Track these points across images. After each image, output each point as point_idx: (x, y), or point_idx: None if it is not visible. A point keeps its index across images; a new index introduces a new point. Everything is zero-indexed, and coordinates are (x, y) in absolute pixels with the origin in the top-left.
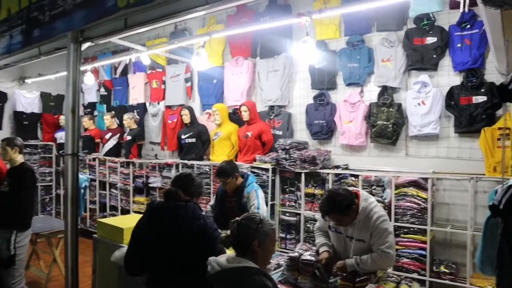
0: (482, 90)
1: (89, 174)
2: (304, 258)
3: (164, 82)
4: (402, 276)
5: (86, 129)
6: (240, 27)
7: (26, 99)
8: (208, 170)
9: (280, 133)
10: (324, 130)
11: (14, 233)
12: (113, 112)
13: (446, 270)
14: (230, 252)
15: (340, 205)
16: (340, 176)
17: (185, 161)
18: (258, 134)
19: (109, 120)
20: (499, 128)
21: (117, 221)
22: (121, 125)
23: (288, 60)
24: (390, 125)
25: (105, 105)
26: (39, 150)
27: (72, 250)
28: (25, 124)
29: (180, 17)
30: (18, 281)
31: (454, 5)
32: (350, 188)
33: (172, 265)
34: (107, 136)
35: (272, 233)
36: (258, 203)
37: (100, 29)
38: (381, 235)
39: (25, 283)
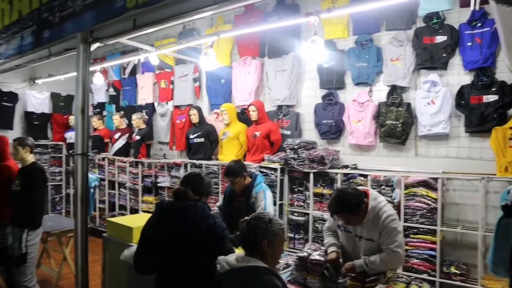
0: (493, 89)
1: (99, 174)
2: (313, 258)
3: (172, 82)
4: (412, 276)
5: (95, 129)
6: (248, 27)
7: (37, 100)
8: (216, 169)
9: (289, 132)
10: (333, 130)
11: (26, 231)
12: (122, 112)
13: (456, 271)
14: (239, 252)
15: (349, 204)
16: (349, 176)
17: (194, 161)
18: (266, 133)
19: (118, 120)
20: (511, 128)
21: (126, 220)
22: (130, 125)
23: (296, 60)
24: (399, 125)
25: (114, 105)
26: (49, 150)
27: (82, 248)
28: (35, 124)
29: (188, 17)
30: (30, 279)
31: (464, 3)
32: (360, 187)
33: (181, 264)
34: (116, 136)
35: (281, 233)
36: (265, 204)
37: (109, 29)
38: (390, 234)
39: (36, 281)
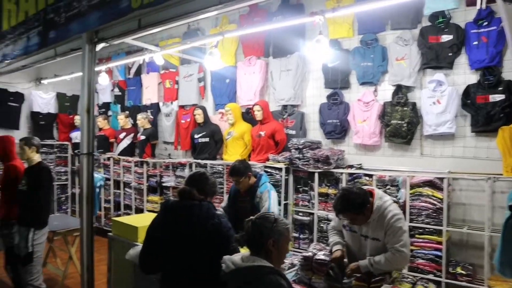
0: (500, 88)
1: (104, 173)
2: (318, 257)
3: (177, 82)
4: (417, 277)
5: (100, 129)
6: (253, 26)
7: (43, 100)
8: (221, 169)
9: (293, 132)
10: (338, 130)
11: (32, 231)
12: (127, 112)
13: (462, 272)
14: (244, 251)
15: (354, 203)
16: (354, 175)
17: (199, 161)
18: (271, 133)
19: (123, 120)
20: None
21: (132, 219)
22: (135, 125)
23: (301, 59)
24: (404, 124)
25: (119, 105)
26: (55, 149)
27: (88, 248)
28: (41, 124)
29: (193, 17)
30: (36, 278)
31: (471, 2)
32: (365, 187)
33: (187, 263)
34: (121, 135)
35: (286, 233)
36: (270, 204)
37: (114, 30)
38: (395, 234)
39: (42, 280)
